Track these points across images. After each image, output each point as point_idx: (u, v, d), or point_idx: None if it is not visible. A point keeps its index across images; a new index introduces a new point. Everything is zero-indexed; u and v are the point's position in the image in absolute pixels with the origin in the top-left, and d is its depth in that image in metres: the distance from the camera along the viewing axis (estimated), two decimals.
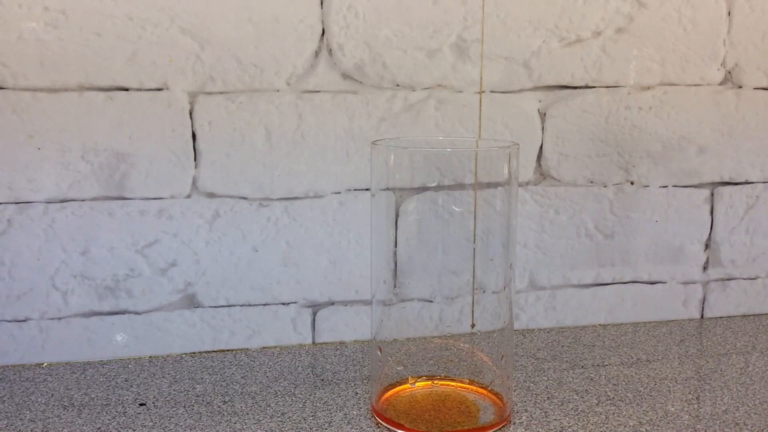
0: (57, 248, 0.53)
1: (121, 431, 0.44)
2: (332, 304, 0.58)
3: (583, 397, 0.49)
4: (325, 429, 0.45)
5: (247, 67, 0.54)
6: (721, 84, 0.62)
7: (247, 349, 0.57)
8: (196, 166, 0.54)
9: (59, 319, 0.54)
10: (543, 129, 0.59)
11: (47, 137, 0.52)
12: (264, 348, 0.58)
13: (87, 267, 0.54)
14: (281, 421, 0.46)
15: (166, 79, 0.53)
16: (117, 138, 0.53)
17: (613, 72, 0.60)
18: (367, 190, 0.57)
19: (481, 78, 0.57)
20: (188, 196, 0.54)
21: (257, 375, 0.53)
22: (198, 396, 0.49)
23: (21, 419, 0.46)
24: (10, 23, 0.50)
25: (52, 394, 0.49)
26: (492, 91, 0.58)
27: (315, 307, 0.58)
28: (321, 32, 0.54)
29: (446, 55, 0.57)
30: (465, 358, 0.50)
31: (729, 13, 0.61)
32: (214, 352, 0.57)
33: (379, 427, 0.45)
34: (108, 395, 0.49)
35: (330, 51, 0.55)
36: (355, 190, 0.57)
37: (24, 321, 0.54)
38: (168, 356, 0.56)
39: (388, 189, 0.46)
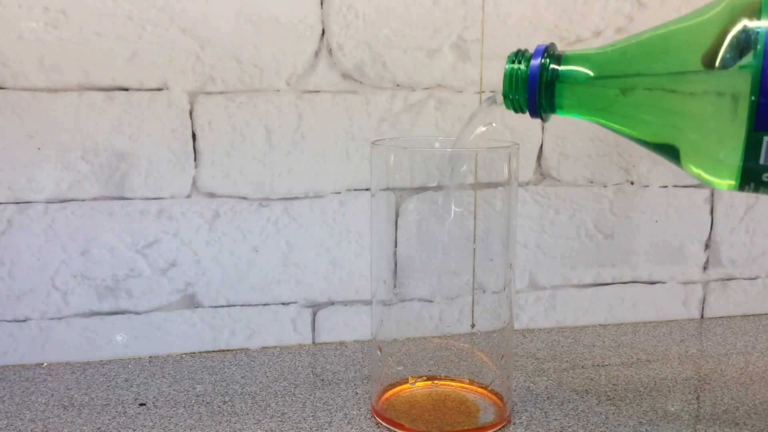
0: (57, 248, 0.53)
1: (121, 431, 0.44)
2: (332, 304, 0.58)
3: (583, 397, 0.49)
4: (325, 429, 0.45)
5: (247, 67, 0.54)
6: None
7: (247, 349, 0.57)
8: (196, 166, 0.54)
9: (59, 319, 0.54)
10: (543, 129, 0.59)
11: (47, 137, 0.52)
12: (264, 348, 0.58)
13: (87, 267, 0.54)
14: (281, 421, 0.46)
15: (166, 79, 0.53)
16: (117, 138, 0.53)
17: None
18: (367, 190, 0.57)
19: (481, 78, 0.57)
20: (188, 196, 0.54)
21: (257, 375, 0.53)
22: (198, 396, 0.49)
23: (21, 419, 0.46)
24: (10, 23, 0.50)
25: (52, 394, 0.49)
26: (492, 91, 0.58)
27: (315, 307, 0.58)
28: (321, 32, 0.54)
29: (446, 55, 0.57)
30: (465, 358, 0.50)
31: None
32: (214, 352, 0.57)
33: (379, 427, 0.45)
34: (108, 395, 0.49)
35: (330, 51, 0.55)
36: (355, 190, 0.57)
37: (24, 321, 0.54)
38: (168, 356, 0.56)
39: (388, 189, 0.46)
